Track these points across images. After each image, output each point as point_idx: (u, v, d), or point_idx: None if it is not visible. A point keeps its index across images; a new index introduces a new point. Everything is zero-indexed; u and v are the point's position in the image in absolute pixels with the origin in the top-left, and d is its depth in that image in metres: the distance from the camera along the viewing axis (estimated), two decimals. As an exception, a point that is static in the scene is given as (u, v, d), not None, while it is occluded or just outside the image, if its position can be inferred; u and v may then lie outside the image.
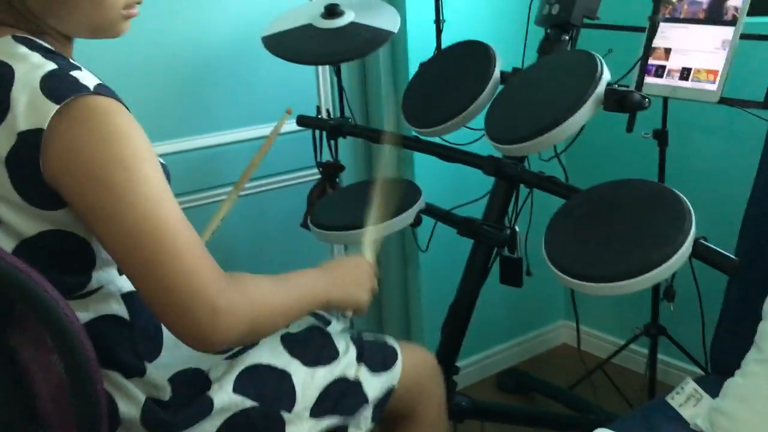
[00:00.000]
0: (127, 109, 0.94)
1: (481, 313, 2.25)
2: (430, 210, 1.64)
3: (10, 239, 0.93)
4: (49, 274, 0.90)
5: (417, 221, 1.60)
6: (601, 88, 1.31)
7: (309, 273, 1.10)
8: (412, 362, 1.28)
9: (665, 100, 1.77)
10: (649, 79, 1.66)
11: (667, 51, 1.69)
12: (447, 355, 1.68)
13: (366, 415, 1.19)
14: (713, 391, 1.20)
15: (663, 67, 1.69)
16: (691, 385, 1.23)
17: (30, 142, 0.87)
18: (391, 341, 1.29)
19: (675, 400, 1.22)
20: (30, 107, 0.88)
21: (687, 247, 1.15)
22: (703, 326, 1.66)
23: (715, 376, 1.30)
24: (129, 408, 1.01)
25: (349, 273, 1.16)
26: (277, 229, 2.01)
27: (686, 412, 1.20)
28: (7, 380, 0.98)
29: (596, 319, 2.46)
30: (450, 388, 1.70)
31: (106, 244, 0.91)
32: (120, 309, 1.03)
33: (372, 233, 1.34)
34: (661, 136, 1.79)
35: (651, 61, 1.67)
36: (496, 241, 1.56)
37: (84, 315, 0.99)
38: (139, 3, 1.02)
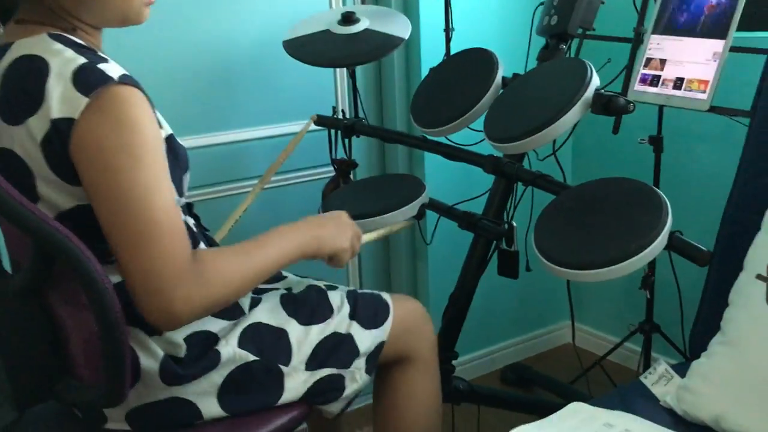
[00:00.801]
0: (148, 98, 1.03)
1: (488, 310, 2.37)
2: (434, 205, 1.73)
3: (49, 212, 1.03)
4: (83, 242, 1.00)
5: (420, 214, 1.70)
6: (589, 92, 1.39)
7: (286, 229, 1.18)
8: (403, 312, 1.39)
9: (660, 108, 1.87)
10: (645, 88, 1.75)
11: (662, 62, 1.79)
12: (446, 341, 1.78)
13: (359, 366, 1.30)
14: (685, 373, 1.30)
15: (658, 77, 1.78)
16: (662, 366, 1.32)
17: (62, 128, 0.97)
18: (385, 296, 1.39)
19: (648, 379, 1.32)
20: (63, 98, 0.97)
21: (662, 239, 1.23)
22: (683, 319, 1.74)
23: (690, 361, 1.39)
24: (149, 362, 1.12)
25: (330, 226, 1.24)
26: (293, 220, 2.11)
27: (657, 390, 1.29)
28: (44, 334, 1.11)
29: (598, 319, 2.54)
30: (448, 372, 1.80)
31: (100, 219, 1.00)
32: None
33: (375, 234, 1.50)
34: (656, 142, 1.89)
35: (647, 71, 1.77)
36: (494, 234, 1.65)
37: (113, 278, 1.06)
38: None
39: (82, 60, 1.00)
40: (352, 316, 1.32)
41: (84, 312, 1.06)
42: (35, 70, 1.00)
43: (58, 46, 1.02)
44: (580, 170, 2.43)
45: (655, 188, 1.32)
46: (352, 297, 1.36)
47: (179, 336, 1.15)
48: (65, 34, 1.05)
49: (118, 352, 1.04)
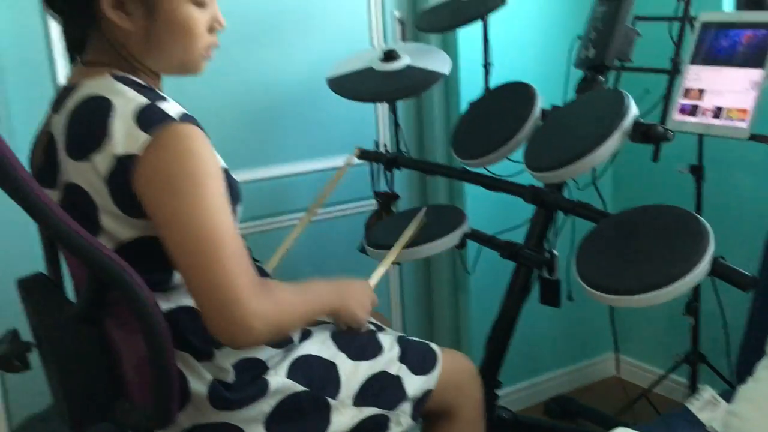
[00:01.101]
0: (206, 134, 1.08)
1: (532, 341, 2.37)
2: (475, 235, 1.75)
3: (109, 243, 1.08)
4: (138, 271, 1.05)
5: (462, 244, 1.73)
6: (628, 121, 1.42)
7: (323, 284, 1.26)
8: (451, 365, 1.39)
9: (700, 137, 1.87)
10: (684, 118, 1.76)
11: (701, 91, 1.80)
12: (490, 369, 1.79)
13: (405, 410, 1.30)
14: (731, 399, 1.29)
15: (697, 107, 1.80)
16: (708, 392, 1.32)
17: (125, 164, 1.03)
18: (433, 346, 1.40)
19: (694, 405, 1.31)
20: (126, 135, 1.03)
21: (705, 264, 1.23)
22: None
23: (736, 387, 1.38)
24: (198, 386, 1.15)
25: (355, 293, 1.33)
26: (337, 252, 2.16)
27: (703, 416, 1.29)
28: (100, 357, 1.15)
29: (642, 350, 2.51)
30: (492, 400, 1.80)
31: (167, 244, 1.03)
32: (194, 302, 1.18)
33: (388, 264, 1.55)
34: (697, 171, 1.90)
35: (686, 101, 1.78)
36: (536, 262, 1.67)
37: (165, 305, 1.12)
38: (215, 47, 1.18)
39: (143, 100, 1.06)
40: (402, 359, 1.33)
41: (136, 336, 1.10)
42: (100, 109, 1.06)
43: (122, 86, 1.08)
44: (620, 199, 2.44)
45: (696, 215, 1.33)
46: (402, 341, 1.37)
47: (227, 362, 1.18)
48: (128, 75, 1.12)
49: (166, 374, 1.08)
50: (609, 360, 2.59)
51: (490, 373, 1.78)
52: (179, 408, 1.13)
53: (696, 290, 1.78)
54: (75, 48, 1.17)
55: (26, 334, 1.20)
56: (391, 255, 1.61)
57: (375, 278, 1.46)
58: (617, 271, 1.31)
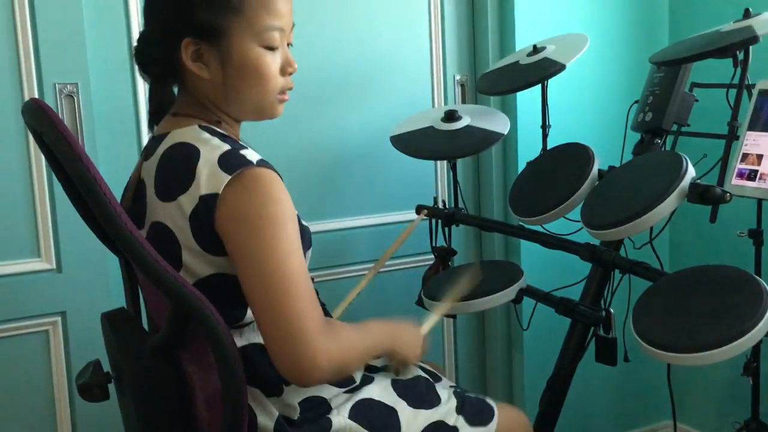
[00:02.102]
0: (281, 178, 1.16)
1: (586, 405, 2.34)
2: (531, 291, 1.77)
3: (189, 278, 1.13)
4: (214, 306, 1.11)
5: (518, 299, 1.75)
6: (686, 181, 1.44)
7: (379, 325, 1.28)
8: (507, 420, 1.41)
9: (759, 201, 1.88)
10: (742, 182, 1.77)
11: (759, 157, 1.81)
12: (543, 428, 1.78)
13: None
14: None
15: (755, 172, 1.81)
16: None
17: (208, 203, 1.10)
18: (489, 400, 1.42)
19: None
20: (210, 177, 1.10)
21: (765, 323, 1.22)
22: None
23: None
24: (266, 421, 1.19)
25: (408, 335, 1.35)
26: (396, 304, 2.19)
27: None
28: (174, 389, 1.20)
29: (701, 418, 2.45)
30: (545, 458, 1.80)
31: (242, 280, 1.09)
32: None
33: (441, 314, 1.57)
34: (756, 236, 1.89)
35: (744, 166, 1.79)
36: (592, 320, 1.68)
37: (238, 341, 1.16)
38: (290, 89, 1.25)
39: (226, 147, 1.15)
40: (459, 410, 1.35)
41: (209, 371, 1.15)
42: (188, 155, 1.14)
43: (206, 135, 1.17)
44: (677, 260, 2.43)
45: (756, 276, 1.33)
46: (459, 395, 1.39)
47: (295, 399, 1.22)
48: (212, 126, 1.21)
49: (238, 409, 1.11)
50: (665, 428, 2.54)
51: (544, 430, 1.78)
52: (246, 443, 1.17)
53: (756, 349, 1.75)
54: (157, 113, 1.26)
55: (106, 366, 1.28)
56: (445, 305, 1.65)
57: (427, 326, 1.48)
58: (675, 328, 1.31)
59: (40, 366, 1.80)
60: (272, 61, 1.20)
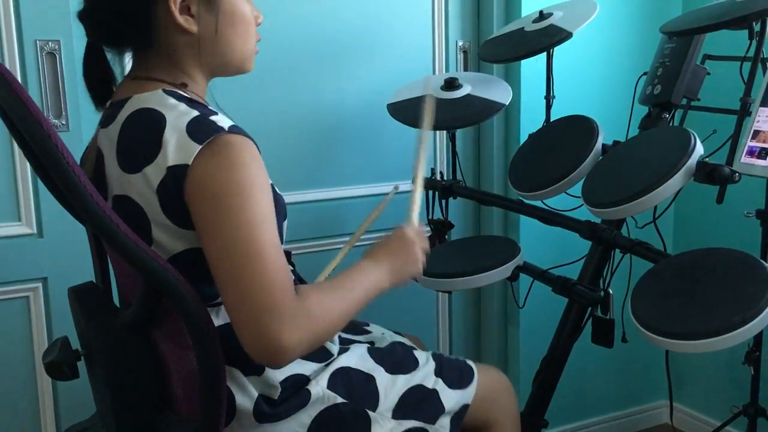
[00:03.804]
0: (256, 145, 1.08)
1: (582, 383, 2.31)
2: (528, 268, 1.73)
3: (162, 255, 1.07)
4: (189, 283, 1.06)
5: (514, 276, 1.71)
6: (693, 160, 1.39)
7: (364, 269, 1.16)
8: (487, 380, 1.40)
9: (768, 180, 1.81)
10: (752, 160, 1.71)
11: (771, 134, 1.74)
12: (537, 407, 1.75)
13: (444, 425, 1.30)
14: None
15: (766, 150, 1.74)
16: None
17: (176, 174, 1.03)
18: (469, 361, 1.40)
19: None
20: (178, 147, 1.03)
21: None
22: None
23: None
24: (244, 401, 1.15)
25: (400, 253, 1.21)
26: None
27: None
28: (148, 368, 1.16)
29: (698, 399, 2.43)
30: (537, 439, 1.76)
31: (208, 256, 1.02)
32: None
33: (418, 195, 1.37)
34: (764, 216, 1.83)
35: (755, 144, 1.73)
36: (589, 300, 1.63)
37: (215, 320, 1.12)
38: (258, 41, 1.22)
39: (194, 113, 1.07)
40: (438, 373, 1.34)
41: (185, 350, 1.11)
42: (153, 122, 1.07)
43: (173, 101, 1.10)
44: (681, 241, 2.37)
45: (761, 260, 1.28)
46: (437, 357, 1.38)
47: (276, 378, 1.18)
48: (177, 90, 1.13)
49: (216, 389, 1.08)
50: (662, 407, 2.52)
51: (536, 411, 1.74)
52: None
53: (758, 339, 1.71)
54: (103, 84, 1.19)
55: (75, 343, 1.23)
56: (425, 132, 1.48)
57: (415, 214, 1.31)
58: (675, 314, 1.28)
59: (20, 333, 1.75)
60: (252, 9, 1.19)
